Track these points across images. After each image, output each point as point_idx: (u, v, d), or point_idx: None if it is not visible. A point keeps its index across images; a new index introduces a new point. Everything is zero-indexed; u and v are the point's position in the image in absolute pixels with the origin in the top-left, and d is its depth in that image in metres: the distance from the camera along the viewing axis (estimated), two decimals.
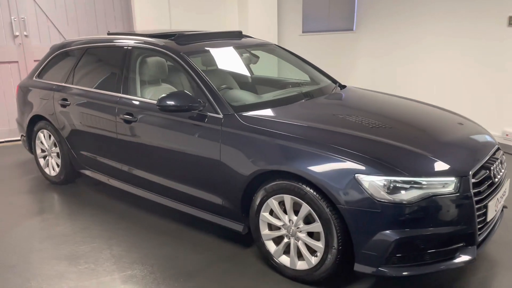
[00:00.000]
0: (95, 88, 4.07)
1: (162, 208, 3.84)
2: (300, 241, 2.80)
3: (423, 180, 2.48)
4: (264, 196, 2.87)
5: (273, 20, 7.01)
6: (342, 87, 3.98)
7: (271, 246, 2.96)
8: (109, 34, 4.40)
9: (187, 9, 6.81)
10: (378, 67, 7.82)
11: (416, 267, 2.55)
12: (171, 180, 3.45)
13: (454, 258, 2.59)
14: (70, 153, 4.35)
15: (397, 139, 2.78)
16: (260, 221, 2.95)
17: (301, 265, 2.82)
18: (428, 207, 2.46)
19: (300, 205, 2.74)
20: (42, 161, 4.75)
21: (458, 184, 2.52)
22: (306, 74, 4.22)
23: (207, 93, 3.24)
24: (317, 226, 2.66)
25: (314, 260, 2.74)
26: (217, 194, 3.16)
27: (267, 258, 3.00)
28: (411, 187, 2.47)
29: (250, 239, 3.29)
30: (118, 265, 3.11)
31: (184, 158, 3.30)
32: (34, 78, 4.79)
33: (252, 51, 4.16)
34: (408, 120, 3.24)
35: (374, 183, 2.46)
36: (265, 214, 2.92)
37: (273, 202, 2.85)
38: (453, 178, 2.53)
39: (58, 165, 4.55)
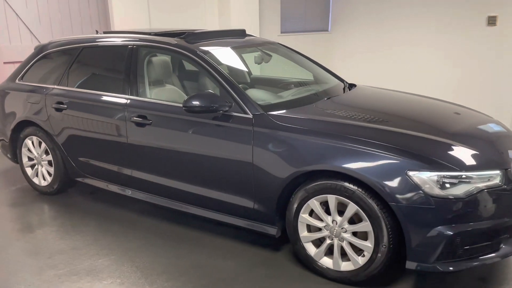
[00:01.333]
0: (96, 90, 3.81)
1: (174, 215, 3.70)
2: (344, 241, 2.74)
3: (473, 174, 2.50)
4: (305, 197, 2.78)
5: (255, 20, 6.93)
6: (353, 85, 3.96)
7: (310, 249, 2.88)
8: (104, 33, 4.14)
9: (166, 9, 6.58)
10: (352, 67, 7.94)
11: (463, 262, 2.56)
12: (194, 185, 3.29)
13: (498, 250, 2.62)
14: (66, 160, 4.05)
15: (436, 135, 2.79)
16: (299, 223, 2.86)
17: (346, 266, 2.76)
18: (479, 200, 2.48)
19: (344, 205, 2.68)
20: (29, 170, 4.40)
21: (503, 177, 2.56)
22: (313, 73, 4.17)
23: (232, 92, 3.11)
24: (365, 226, 2.61)
25: (361, 260, 2.69)
26: (248, 198, 3.04)
27: (305, 261, 2.92)
28: (460, 182, 2.47)
29: (277, 242, 3.22)
30: (146, 278, 2.91)
31: (209, 161, 3.15)
32: (17, 81, 4.42)
33: (265, 50, 4.06)
34: (436, 115, 3.26)
35: (426, 179, 2.45)
36: (304, 216, 2.84)
37: (314, 203, 2.77)
38: (498, 171, 2.57)
39: (50, 174, 4.22)
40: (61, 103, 3.93)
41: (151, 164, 3.47)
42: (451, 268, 2.53)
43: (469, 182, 2.48)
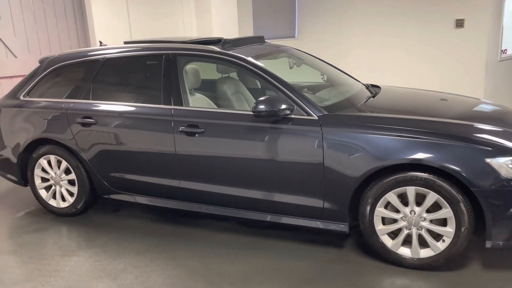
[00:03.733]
0: (128, 102, 3.68)
1: (213, 222, 3.70)
2: (423, 230, 2.90)
3: None
4: (382, 191, 2.91)
5: (234, 29, 6.99)
6: (377, 86, 4.15)
7: (387, 240, 3.01)
8: (125, 43, 4.00)
9: (146, 17, 6.44)
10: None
11: None
12: (253, 189, 3.29)
13: None
14: (94, 177, 3.84)
15: (491, 124, 3.06)
16: (375, 217, 2.99)
17: (425, 253, 2.93)
18: None
19: (422, 195, 2.85)
20: (43, 192, 4.09)
21: None
22: (329, 75, 4.31)
23: (292, 95, 3.17)
24: (446, 212, 2.80)
25: (441, 245, 2.87)
26: (318, 197, 3.11)
27: (382, 253, 3.04)
28: None
29: (336, 239, 3.33)
30: (235, 285, 2.87)
31: (271, 165, 3.18)
32: (21, 97, 4.11)
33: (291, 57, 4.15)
34: (473, 107, 3.56)
35: (502, 163, 2.69)
36: (380, 209, 2.97)
37: (392, 196, 2.91)
38: None
39: (71, 194, 3.97)
40: (89, 117, 3.73)
41: (205, 173, 3.41)
42: None
43: None
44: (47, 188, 4.09)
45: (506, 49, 6.57)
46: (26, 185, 4.22)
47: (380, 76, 7.24)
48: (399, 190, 2.88)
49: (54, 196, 4.07)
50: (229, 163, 3.31)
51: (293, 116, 3.13)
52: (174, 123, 3.42)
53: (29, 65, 4.94)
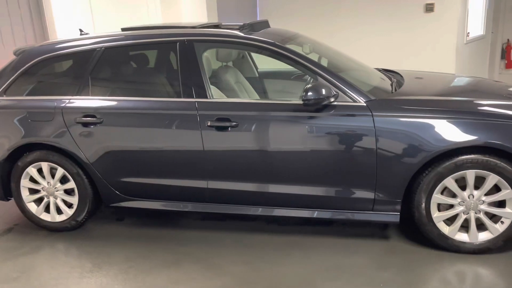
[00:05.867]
0: (140, 97, 3.25)
1: (236, 224, 3.46)
2: (481, 213, 2.84)
3: None
4: (439, 176, 2.80)
5: (203, 14, 6.60)
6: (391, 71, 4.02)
7: (443, 227, 2.92)
8: (123, 30, 3.53)
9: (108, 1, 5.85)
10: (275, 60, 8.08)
11: None
12: (295, 185, 3.05)
13: None
14: (100, 184, 3.36)
15: None
16: (432, 204, 2.88)
17: (483, 236, 2.87)
18: None
19: (479, 178, 2.78)
20: (33, 206, 3.53)
21: None
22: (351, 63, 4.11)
23: (335, 81, 2.96)
24: (507, 193, 2.76)
25: (500, 228, 2.83)
26: (369, 188, 2.94)
27: (439, 240, 2.93)
28: None
29: (377, 230, 3.23)
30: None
31: (318, 157, 2.96)
32: None
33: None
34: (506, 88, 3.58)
35: None
36: (437, 196, 2.86)
37: (451, 181, 2.81)
38: None
39: (70, 205, 3.46)
40: (92, 116, 3.24)
41: (239, 170, 3.10)
42: None
43: None
44: (38, 201, 3.53)
45: (469, 32, 6.83)
46: (7, 199, 3.61)
47: None
48: (459, 174, 2.79)
49: (46, 210, 3.52)
50: (269, 157, 3.03)
51: (336, 103, 2.91)
52: (200, 117, 3.06)
53: None
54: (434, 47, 6.48)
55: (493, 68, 8.31)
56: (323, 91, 2.82)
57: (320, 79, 2.98)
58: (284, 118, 2.99)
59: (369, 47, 7.09)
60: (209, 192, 3.20)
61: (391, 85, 3.36)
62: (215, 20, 7.10)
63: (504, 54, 8.34)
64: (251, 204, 3.18)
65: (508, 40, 8.28)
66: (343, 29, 7.20)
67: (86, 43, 3.43)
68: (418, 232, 3.01)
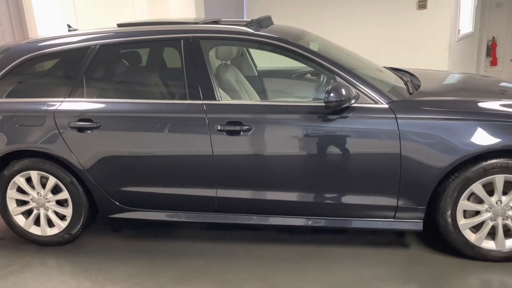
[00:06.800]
0: (141, 99, 2.99)
1: (244, 234, 3.24)
2: (509, 219, 2.71)
3: None
4: (467, 181, 2.66)
5: (192, 10, 6.33)
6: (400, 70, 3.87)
7: (469, 235, 2.77)
8: (120, 26, 3.25)
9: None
10: (274, 58, 7.90)
11: None
12: (318, 192, 2.85)
13: None
14: (97, 195, 3.08)
15: None
16: (458, 211, 2.73)
17: (510, 243, 2.74)
18: None
19: (507, 183, 2.65)
20: (21, 219, 3.22)
21: None
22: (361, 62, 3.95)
23: (356, 82, 2.77)
24: None
25: None
26: (391, 195, 2.76)
27: (464, 249, 2.78)
28: None
29: (395, 239, 3.08)
30: None
31: (338, 163, 2.77)
32: None
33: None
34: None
35: None
36: (464, 202, 2.71)
37: (478, 186, 2.67)
38: None
39: (63, 217, 3.17)
40: (88, 120, 2.96)
41: (253, 178, 2.88)
42: None
43: None
44: (27, 213, 3.22)
45: (459, 29, 6.78)
46: None
47: None
48: (487, 179, 2.65)
49: (36, 223, 3.22)
50: (285, 163, 2.82)
51: (355, 105, 2.73)
52: (208, 120, 2.83)
53: None
54: (427, 44, 6.40)
55: (479, 66, 8.34)
56: (344, 92, 2.63)
57: (338, 79, 2.79)
58: (301, 121, 2.78)
59: (360, 45, 6.96)
60: (218, 201, 2.97)
61: (406, 84, 3.20)
62: (202, 16, 6.86)
63: (489, 52, 8.37)
64: (263, 213, 2.97)
65: (493, 37, 8.31)
66: (331, 27, 7.03)
67: (78, 40, 3.13)
68: (438, 239, 2.87)
